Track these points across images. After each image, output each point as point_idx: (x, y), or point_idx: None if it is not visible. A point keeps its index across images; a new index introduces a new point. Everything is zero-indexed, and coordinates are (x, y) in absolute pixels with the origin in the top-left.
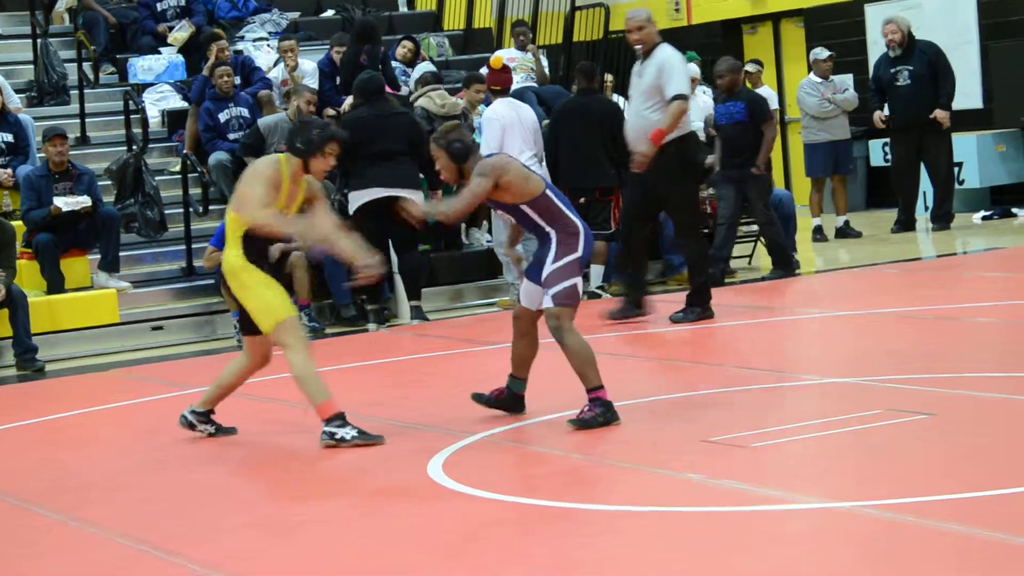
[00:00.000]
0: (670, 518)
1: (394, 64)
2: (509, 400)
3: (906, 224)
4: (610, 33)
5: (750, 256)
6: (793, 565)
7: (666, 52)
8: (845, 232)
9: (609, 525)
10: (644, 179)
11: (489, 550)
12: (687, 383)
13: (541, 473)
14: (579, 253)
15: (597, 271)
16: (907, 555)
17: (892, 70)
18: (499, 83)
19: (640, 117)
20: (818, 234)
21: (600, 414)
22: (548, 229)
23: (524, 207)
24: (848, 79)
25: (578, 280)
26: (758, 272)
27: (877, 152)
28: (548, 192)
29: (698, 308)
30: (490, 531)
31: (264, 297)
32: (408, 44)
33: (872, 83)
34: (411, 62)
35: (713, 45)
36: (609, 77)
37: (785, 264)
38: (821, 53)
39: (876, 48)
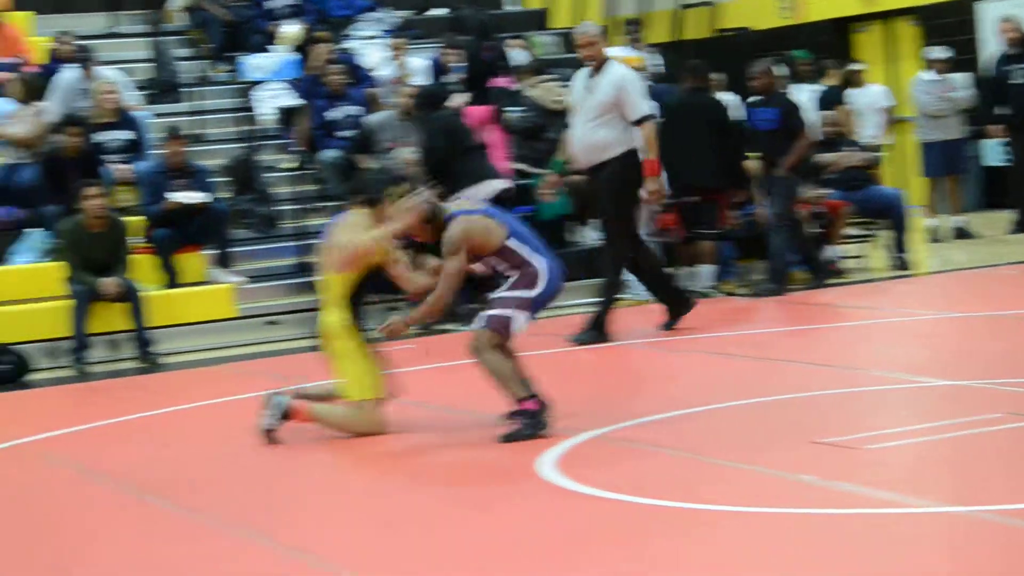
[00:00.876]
0: (780, 519)
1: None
2: None
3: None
4: (718, 30)
5: (862, 257)
6: (909, 570)
7: (620, 71)
8: (961, 232)
9: (719, 525)
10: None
11: (598, 548)
12: (798, 384)
13: (650, 471)
14: (533, 293)
15: (708, 271)
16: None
17: (1008, 68)
18: None
19: (588, 132)
20: (933, 235)
21: (526, 425)
22: (509, 273)
23: (488, 257)
24: (962, 77)
25: (516, 316)
26: (870, 273)
27: (992, 152)
28: (510, 242)
29: (594, 331)
30: (599, 529)
31: (358, 370)
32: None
33: (989, 81)
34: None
35: (823, 44)
36: (715, 76)
37: (777, 278)
38: (940, 52)
39: (989, 46)
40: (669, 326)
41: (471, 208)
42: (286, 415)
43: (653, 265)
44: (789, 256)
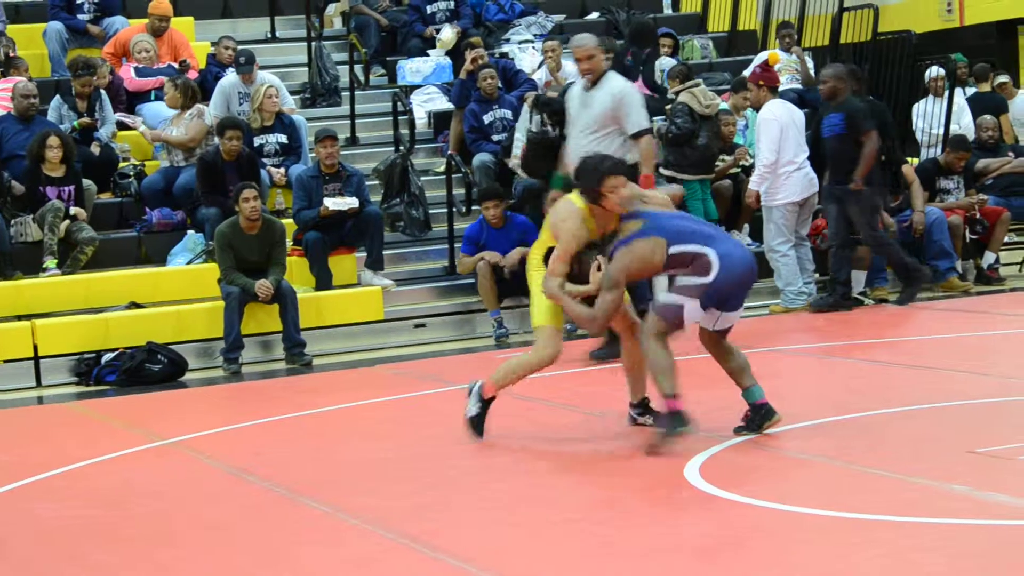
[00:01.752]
0: (932, 529)
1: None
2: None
3: None
4: (879, 34)
5: (1021, 264)
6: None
7: (620, 82)
8: None
9: (869, 534)
10: None
11: (746, 557)
12: (953, 392)
13: (799, 479)
14: (707, 279)
15: (859, 277)
16: None
17: None
18: (775, 81)
19: (585, 147)
20: None
21: (669, 427)
22: (684, 273)
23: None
24: None
25: (688, 304)
26: None
27: None
28: (672, 249)
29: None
30: (747, 537)
31: (542, 298)
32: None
33: None
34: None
35: (986, 47)
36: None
37: (912, 281)
38: None
39: None
40: (597, 356)
41: (633, 233)
42: (483, 398)
43: None
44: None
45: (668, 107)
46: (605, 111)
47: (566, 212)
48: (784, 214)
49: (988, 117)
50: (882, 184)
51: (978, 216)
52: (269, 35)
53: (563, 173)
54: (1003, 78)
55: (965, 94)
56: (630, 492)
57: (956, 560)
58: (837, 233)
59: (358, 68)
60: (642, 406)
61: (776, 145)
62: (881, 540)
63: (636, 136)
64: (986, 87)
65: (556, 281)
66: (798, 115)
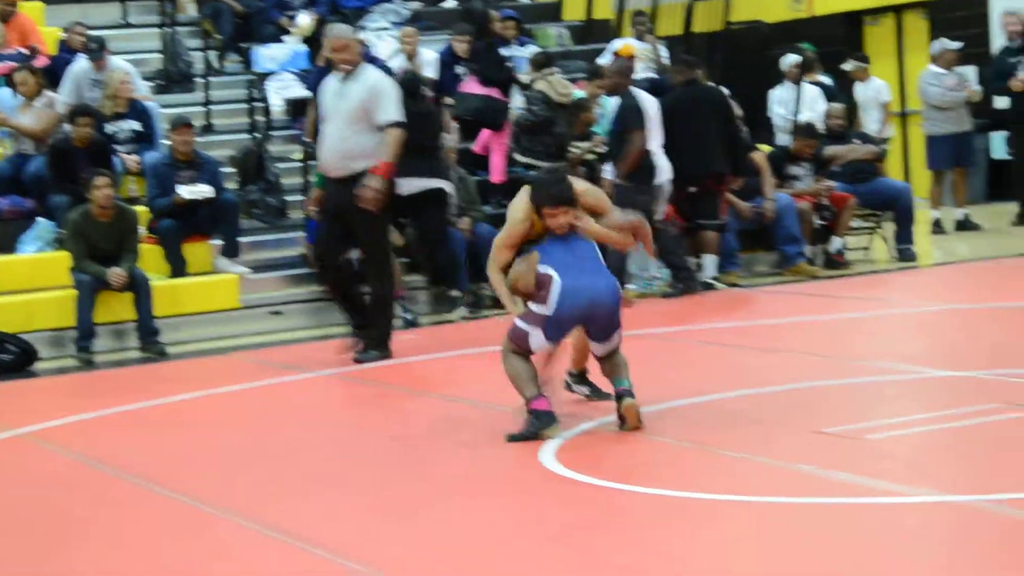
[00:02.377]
0: (780, 509)
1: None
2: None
3: None
4: (730, 24)
5: (867, 248)
6: (909, 559)
7: (376, 74)
8: (965, 225)
9: (718, 514)
10: (338, 210)
11: (598, 537)
12: (801, 374)
13: (652, 461)
14: (546, 311)
15: (711, 261)
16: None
17: (1012, 60)
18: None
19: (342, 140)
20: (937, 227)
21: (532, 424)
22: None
23: None
24: (971, 71)
25: (532, 331)
26: (875, 264)
27: (999, 145)
28: (538, 268)
29: (376, 352)
30: (600, 518)
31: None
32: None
33: (992, 74)
34: (514, 40)
35: (834, 37)
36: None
37: (684, 278)
38: (951, 44)
39: (999, 41)
40: (362, 359)
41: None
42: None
43: (349, 284)
44: (904, 234)
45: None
46: (360, 104)
47: (518, 202)
48: None
49: (836, 105)
50: (646, 184)
51: (826, 202)
52: (121, 21)
53: (320, 171)
54: (851, 64)
55: (826, 82)
56: (486, 477)
57: (803, 538)
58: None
59: (213, 55)
60: (579, 376)
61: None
62: (731, 520)
63: (385, 127)
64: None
65: (492, 267)
66: (651, 104)
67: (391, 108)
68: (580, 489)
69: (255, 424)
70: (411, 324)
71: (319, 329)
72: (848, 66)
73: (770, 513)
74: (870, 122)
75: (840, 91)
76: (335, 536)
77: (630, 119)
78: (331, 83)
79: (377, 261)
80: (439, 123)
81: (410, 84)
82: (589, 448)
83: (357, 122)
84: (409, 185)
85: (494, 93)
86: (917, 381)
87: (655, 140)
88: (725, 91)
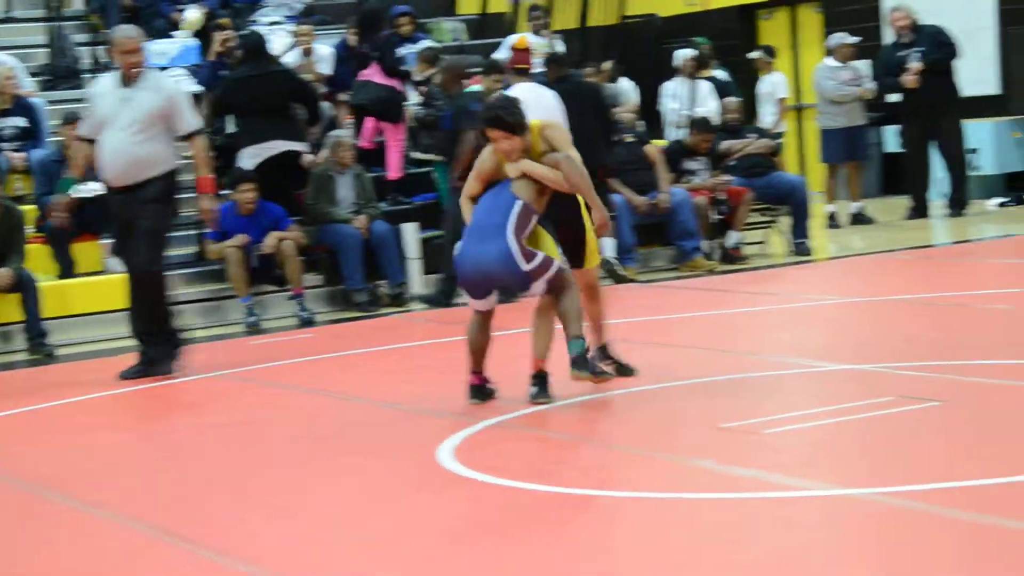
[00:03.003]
0: (683, 505)
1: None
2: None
3: (919, 210)
4: (625, 17)
5: (763, 243)
6: (806, 552)
7: (168, 81)
8: (859, 218)
9: (621, 511)
10: (121, 220)
11: (499, 537)
12: (699, 369)
13: (553, 459)
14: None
15: (609, 243)
16: (919, 542)
17: (901, 54)
18: (522, 62)
19: (129, 148)
20: (832, 220)
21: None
22: None
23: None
24: (865, 64)
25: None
26: (771, 259)
27: (892, 138)
28: None
29: (152, 368)
30: (500, 518)
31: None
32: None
33: (881, 70)
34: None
35: (729, 31)
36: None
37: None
38: (847, 38)
39: (892, 34)
40: (133, 374)
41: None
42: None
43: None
44: (800, 228)
45: (422, 90)
46: (153, 110)
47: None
48: None
49: (731, 99)
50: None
51: (722, 197)
52: (5, 14)
53: (76, 176)
54: (757, 54)
55: (720, 77)
56: (383, 476)
57: (701, 533)
58: (454, 228)
59: (100, 49)
60: (603, 352)
61: None
62: (630, 515)
63: (189, 136)
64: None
65: (463, 198)
66: (546, 98)
67: (192, 116)
68: (480, 488)
69: (145, 426)
70: (307, 323)
71: (212, 328)
72: (755, 54)
73: (672, 509)
74: (765, 116)
75: (742, 84)
76: (227, 538)
77: (462, 120)
78: (109, 87)
79: (157, 273)
80: (290, 84)
81: (254, 44)
82: (489, 447)
83: (147, 130)
84: (262, 149)
85: (396, 85)
86: (814, 375)
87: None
88: (629, 84)
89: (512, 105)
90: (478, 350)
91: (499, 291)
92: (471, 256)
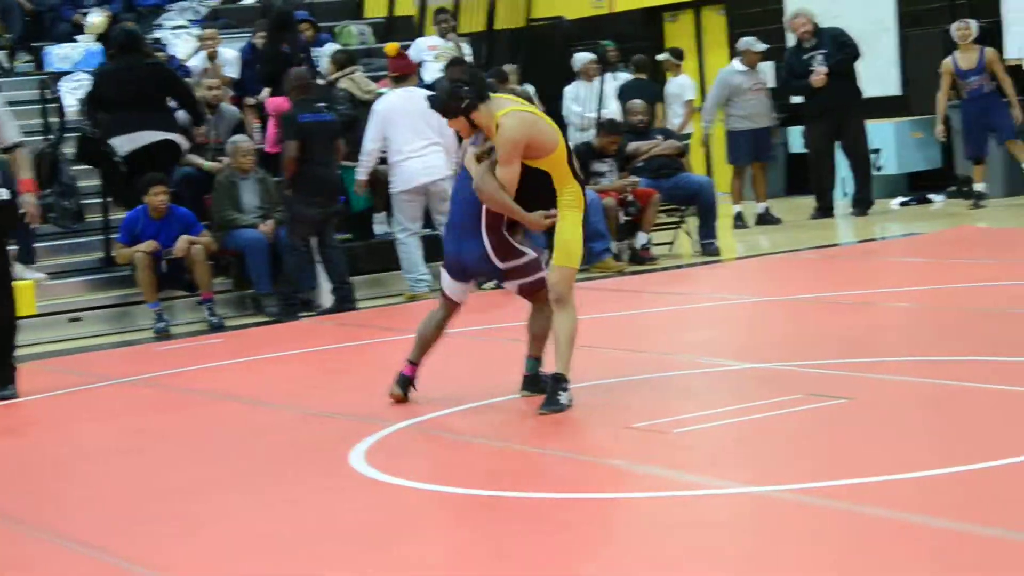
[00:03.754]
0: (593, 505)
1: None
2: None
3: (824, 210)
4: (532, 20)
5: (671, 243)
6: (716, 550)
7: None
8: (765, 219)
9: (533, 513)
10: None
11: (412, 541)
12: (608, 370)
13: (464, 461)
14: None
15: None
16: (828, 538)
17: (804, 57)
18: (398, 70)
19: None
20: (739, 221)
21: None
22: None
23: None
24: (769, 67)
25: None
26: (680, 259)
27: (797, 139)
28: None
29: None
30: (413, 521)
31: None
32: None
33: (786, 73)
34: (313, 41)
35: (634, 33)
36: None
37: (284, 302)
38: (756, 44)
39: (794, 38)
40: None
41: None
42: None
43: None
44: (707, 230)
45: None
46: None
47: None
48: (400, 203)
49: (637, 102)
50: (312, 194)
51: (631, 198)
52: None
53: None
54: (664, 56)
55: (615, 79)
56: (294, 481)
57: (611, 532)
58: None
59: (2, 54)
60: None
61: (375, 134)
62: (544, 517)
63: (10, 149)
64: (643, 75)
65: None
66: (420, 102)
67: (14, 126)
68: (392, 492)
69: (51, 433)
70: (217, 327)
71: (121, 335)
72: (662, 56)
73: (583, 509)
74: (672, 117)
75: (652, 85)
76: (133, 545)
77: (284, 130)
78: None
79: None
80: (161, 77)
81: (126, 38)
82: (401, 449)
83: None
84: (135, 140)
85: None
86: (724, 374)
87: (407, 139)
88: (530, 88)
89: (446, 88)
90: (425, 343)
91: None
92: (451, 254)
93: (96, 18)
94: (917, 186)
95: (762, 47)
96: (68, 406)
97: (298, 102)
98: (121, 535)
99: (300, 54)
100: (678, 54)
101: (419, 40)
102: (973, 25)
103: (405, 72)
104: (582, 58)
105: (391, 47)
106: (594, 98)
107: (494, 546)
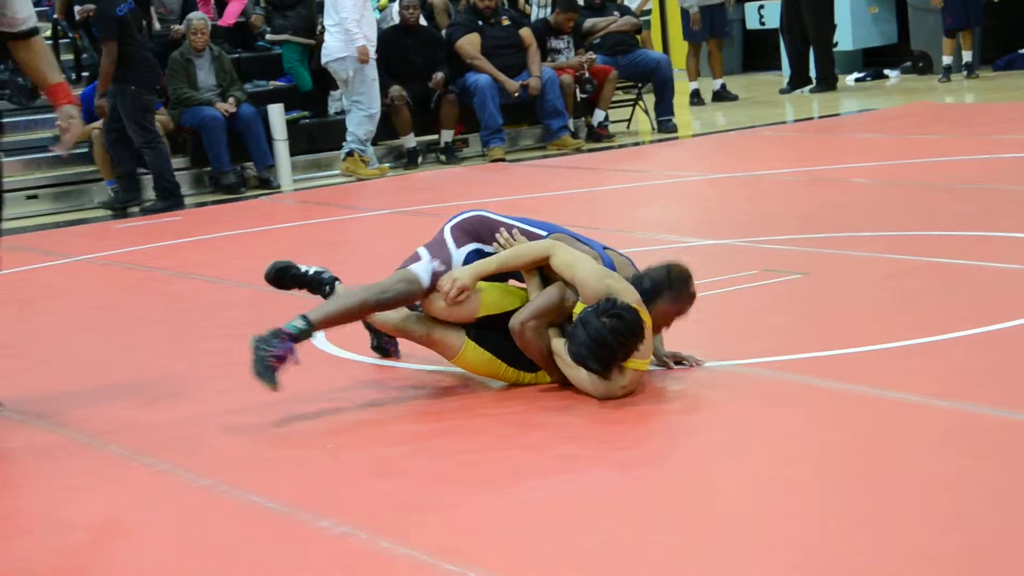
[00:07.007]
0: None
1: None
2: None
3: (797, 82)
4: None
5: (628, 120)
6: (672, 424)
7: None
8: (722, 95)
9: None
10: None
11: (373, 409)
12: None
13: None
14: None
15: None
16: (780, 410)
17: None
18: None
19: None
20: (695, 98)
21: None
22: None
23: None
24: None
25: None
26: (637, 136)
27: (753, 15)
28: None
29: None
30: (371, 393)
31: None
32: None
33: None
34: None
35: None
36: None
37: (167, 195)
38: None
39: None
40: None
41: None
42: None
43: None
44: (666, 107)
45: None
46: None
47: None
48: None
49: None
50: (150, 83)
51: (587, 75)
52: None
53: None
54: None
55: None
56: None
57: (569, 400)
58: (109, 130)
59: None
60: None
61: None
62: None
63: (28, 35)
64: None
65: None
66: None
67: (27, 5)
68: (351, 366)
69: (13, 311)
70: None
71: (76, 213)
72: None
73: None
74: None
75: None
76: (94, 420)
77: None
78: None
79: None
80: None
81: None
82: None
83: None
84: None
85: None
86: (680, 250)
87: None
88: None
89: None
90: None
91: None
92: None
93: None
94: (872, 62)
95: None
96: (28, 284)
97: None
98: (82, 410)
99: None
100: None
101: None
102: None
103: None
104: None
105: None
106: None
107: (458, 407)
